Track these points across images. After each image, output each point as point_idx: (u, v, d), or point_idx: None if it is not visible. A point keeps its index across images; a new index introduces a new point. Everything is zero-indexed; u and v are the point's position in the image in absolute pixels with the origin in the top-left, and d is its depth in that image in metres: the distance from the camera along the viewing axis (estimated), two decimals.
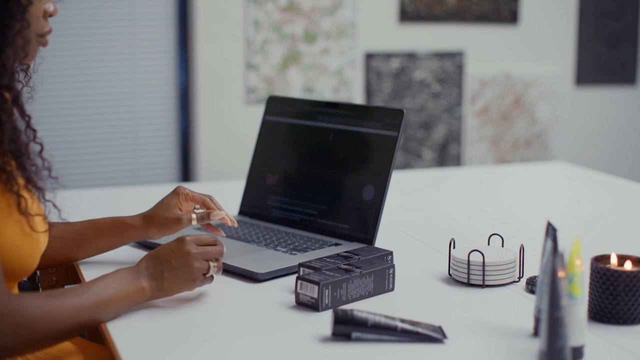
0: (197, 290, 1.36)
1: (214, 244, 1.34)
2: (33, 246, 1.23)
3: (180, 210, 1.49)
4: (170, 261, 1.28)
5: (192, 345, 1.16)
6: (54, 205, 1.28)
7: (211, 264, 1.31)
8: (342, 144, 1.69)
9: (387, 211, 1.61)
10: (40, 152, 1.26)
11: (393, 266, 1.39)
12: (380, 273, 1.37)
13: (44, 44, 1.25)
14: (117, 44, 3.78)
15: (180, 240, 1.31)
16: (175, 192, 1.49)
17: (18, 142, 1.18)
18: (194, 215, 1.48)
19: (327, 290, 1.29)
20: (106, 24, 3.75)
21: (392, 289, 1.39)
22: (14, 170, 1.17)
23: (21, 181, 1.20)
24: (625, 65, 4.56)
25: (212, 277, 1.34)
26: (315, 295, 1.29)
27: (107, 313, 1.22)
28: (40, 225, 1.24)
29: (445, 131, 4.29)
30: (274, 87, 3.94)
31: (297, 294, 1.32)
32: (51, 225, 1.46)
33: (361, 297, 1.34)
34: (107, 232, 1.49)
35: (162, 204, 1.49)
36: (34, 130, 1.27)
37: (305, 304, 1.31)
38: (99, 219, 1.51)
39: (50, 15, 1.24)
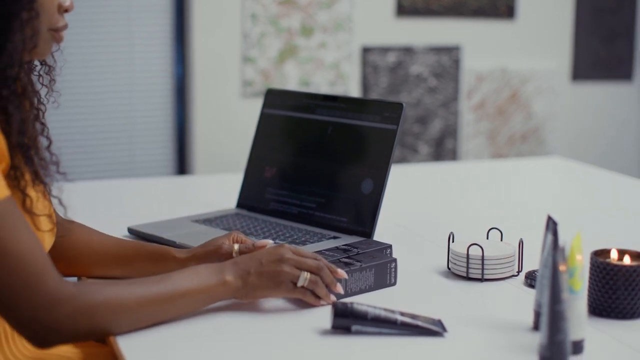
0: None
1: (313, 258, 1.27)
2: None
3: None
4: (261, 260, 1.25)
5: (192, 339, 1.16)
6: (60, 203, 1.26)
7: (303, 273, 1.25)
8: (340, 137, 1.69)
9: (384, 205, 1.61)
10: (49, 146, 1.24)
11: (395, 260, 1.38)
12: (381, 267, 1.36)
13: (59, 39, 1.21)
14: (114, 36, 3.77)
15: (278, 246, 1.28)
16: (228, 234, 1.42)
17: (26, 135, 1.16)
18: (236, 246, 1.38)
19: None
20: (103, 17, 3.74)
21: (394, 284, 1.39)
22: (21, 165, 1.15)
23: (28, 177, 1.18)
24: (621, 61, 4.56)
25: (304, 291, 1.26)
26: None
27: (183, 305, 1.19)
28: (44, 224, 1.21)
29: (441, 126, 4.29)
30: (271, 80, 3.94)
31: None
32: (98, 235, 1.43)
33: (361, 291, 1.34)
34: (151, 259, 1.39)
35: (210, 240, 1.41)
36: (43, 125, 1.25)
37: None
38: (148, 243, 1.44)
39: (66, 11, 1.21)
